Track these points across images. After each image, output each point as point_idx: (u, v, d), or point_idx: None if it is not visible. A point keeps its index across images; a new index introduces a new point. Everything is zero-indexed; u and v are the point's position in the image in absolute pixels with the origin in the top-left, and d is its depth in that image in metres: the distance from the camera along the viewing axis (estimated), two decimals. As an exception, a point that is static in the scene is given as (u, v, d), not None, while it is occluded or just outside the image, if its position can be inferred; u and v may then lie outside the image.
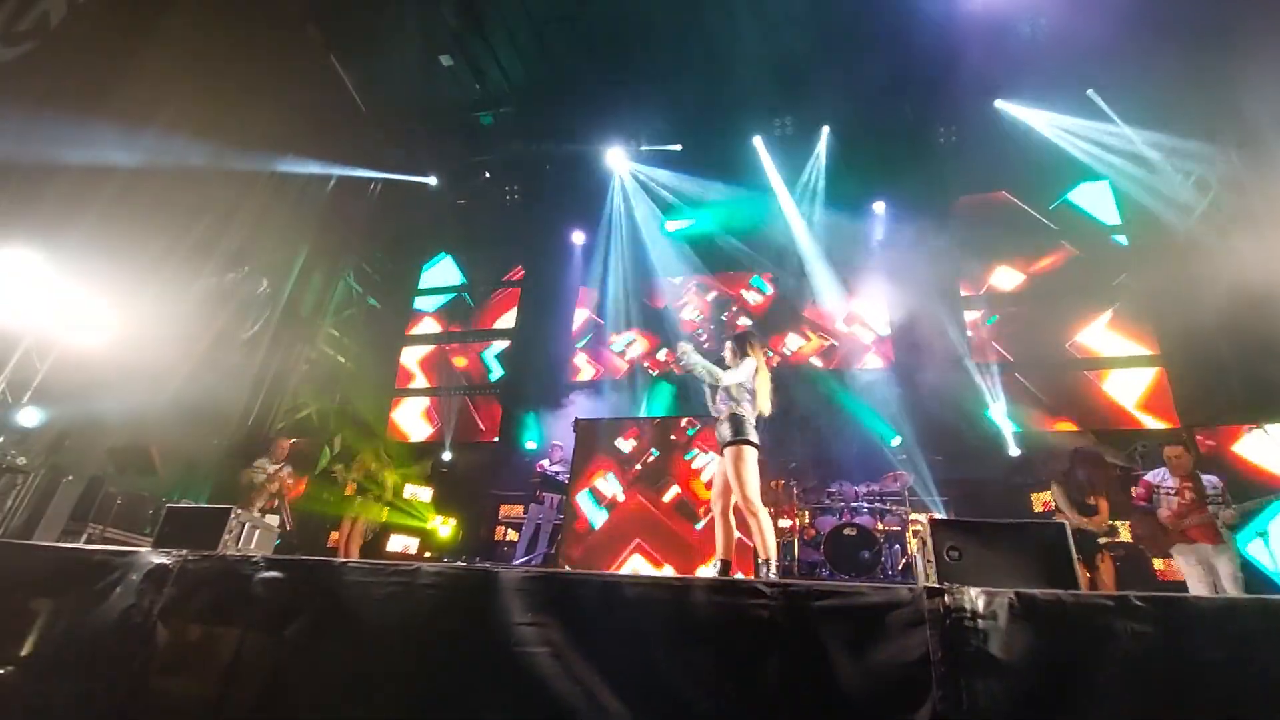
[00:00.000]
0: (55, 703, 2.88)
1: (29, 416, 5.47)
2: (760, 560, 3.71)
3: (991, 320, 9.21)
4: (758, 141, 10.02)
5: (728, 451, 3.87)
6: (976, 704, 2.00)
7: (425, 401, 11.16)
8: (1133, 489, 5.39)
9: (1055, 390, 8.46)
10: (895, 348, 9.34)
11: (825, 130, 9.80)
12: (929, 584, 2.23)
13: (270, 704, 2.65)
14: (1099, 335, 8.69)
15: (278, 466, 6.72)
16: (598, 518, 6.96)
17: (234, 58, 7.87)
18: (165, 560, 3.04)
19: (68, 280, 5.99)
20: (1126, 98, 8.06)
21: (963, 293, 9.35)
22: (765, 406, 4.00)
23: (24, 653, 3.07)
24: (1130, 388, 8.33)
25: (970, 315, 9.23)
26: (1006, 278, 9.44)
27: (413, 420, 11.03)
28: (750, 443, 3.84)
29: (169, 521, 3.57)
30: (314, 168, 9.67)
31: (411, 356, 11.63)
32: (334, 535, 7.81)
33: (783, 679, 2.17)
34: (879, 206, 9.90)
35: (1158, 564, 6.17)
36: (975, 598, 2.13)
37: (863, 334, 9.74)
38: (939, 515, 6.99)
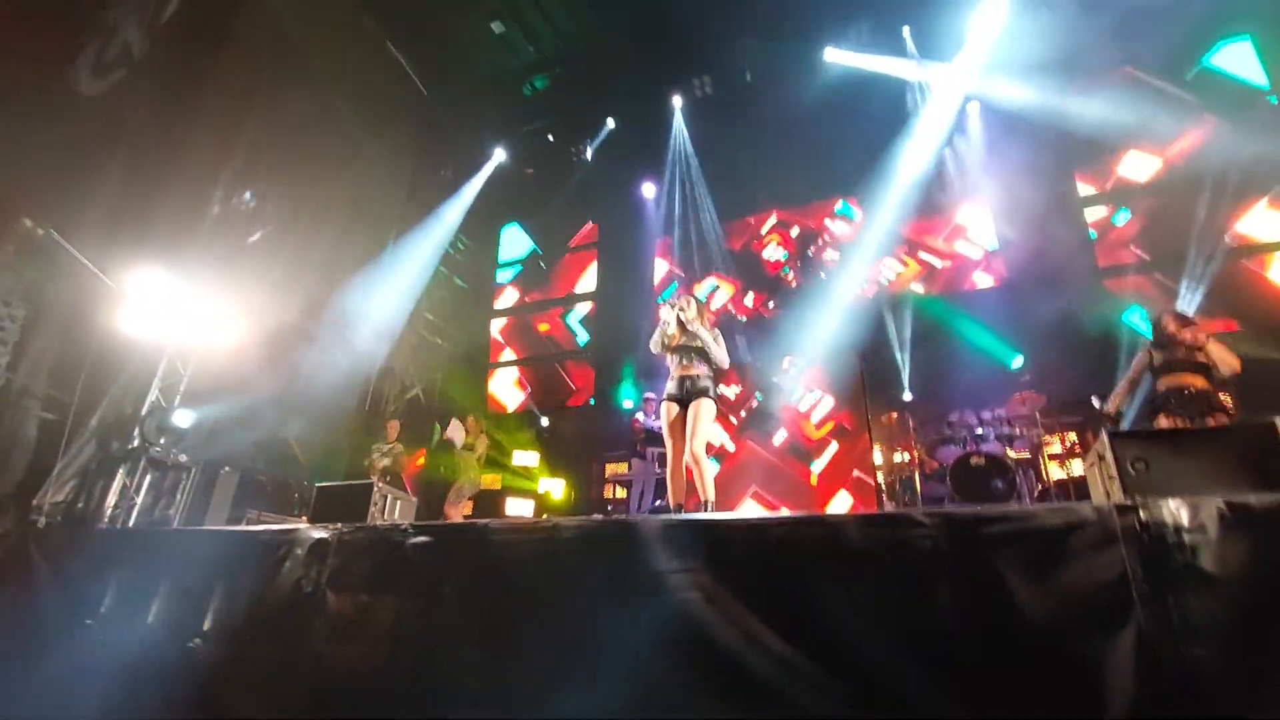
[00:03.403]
0: (244, 669, 3.17)
1: (183, 418, 6.00)
2: (704, 500, 3.96)
3: (1122, 215, 8.09)
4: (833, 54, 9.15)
5: (705, 404, 4.11)
6: (1190, 621, 1.80)
7: (515, 371, 11.47)
8: None
9: (1207, 289, 7.31)
10: (1008, 261, 8.47)
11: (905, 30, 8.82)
12: (1118, 501, 2.02)
13: (433, 661, 2.79)
14: (1260, 219, 7.38)
15: (390, 446, 7.19)
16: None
17: (299, 65, 8.13)
18: (324, 534, 3.25)
19: (192, 290, 6.44)
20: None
21: (1083, 190, 8.33)
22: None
23: (210, 626, 3.40)
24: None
25: (1095, 214, 8.24)
26: (1139, 165, 8.20)
27: (507, 390, 11.37)
28: (715, 399, 4.20)
29: (320, 500, 3.83)
30: (390, 159, 9.94)
31: (498, 328, 11.94)
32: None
33: (955, 607, 2.05)
34: (972, 107, 9.02)
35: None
36: (1176, 510, 1.90)
37: (969, 250, 8.90)
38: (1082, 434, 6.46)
